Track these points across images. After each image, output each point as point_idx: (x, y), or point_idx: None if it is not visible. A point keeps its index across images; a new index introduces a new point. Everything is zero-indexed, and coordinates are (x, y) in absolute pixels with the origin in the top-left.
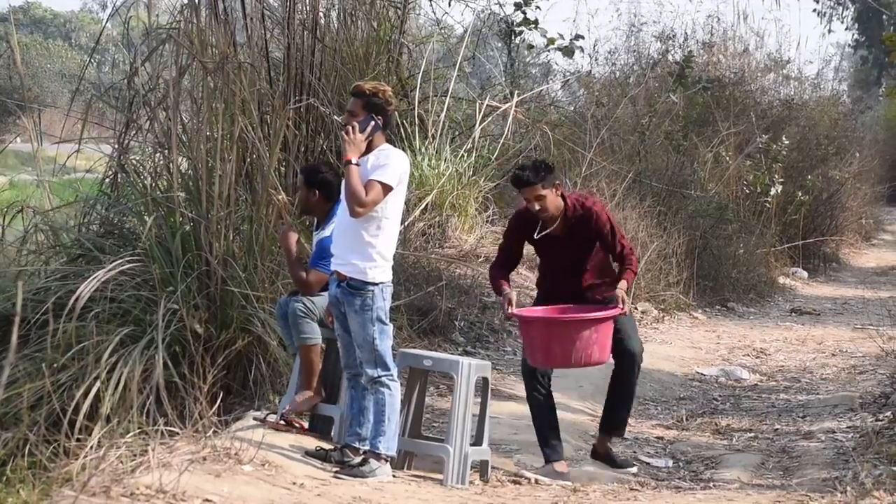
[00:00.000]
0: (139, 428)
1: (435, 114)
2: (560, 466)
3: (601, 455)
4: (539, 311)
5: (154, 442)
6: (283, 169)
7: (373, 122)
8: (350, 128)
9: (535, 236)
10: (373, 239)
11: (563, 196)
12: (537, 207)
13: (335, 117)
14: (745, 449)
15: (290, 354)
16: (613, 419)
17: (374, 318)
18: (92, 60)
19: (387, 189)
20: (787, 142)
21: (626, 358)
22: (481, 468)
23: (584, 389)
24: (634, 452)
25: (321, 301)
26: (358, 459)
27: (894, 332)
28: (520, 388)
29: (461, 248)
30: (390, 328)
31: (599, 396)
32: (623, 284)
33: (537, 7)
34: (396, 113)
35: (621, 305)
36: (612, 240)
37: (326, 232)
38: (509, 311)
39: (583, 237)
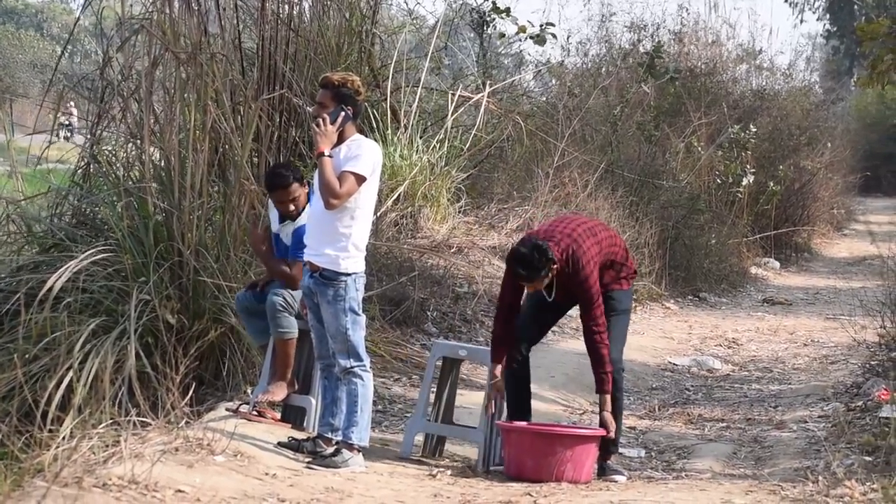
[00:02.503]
0: (111, 419)
1: (407, 104)
2: None
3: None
4: (522, 424)
5: (126, 433)
6: (255, 159)
7: (343, 113)
8: (321, 119)
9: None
10: (346, 229)
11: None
12: (532, 290)
13: (308, 108)
14: (718, 439)
15: (256, 347)
16: (607, 441)
17: (346, 309)
18: (65, 52)
19: (360, 180)
20: (754, 129)
21: None
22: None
23: (556, 380)
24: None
25: (299, 295)
26: (330, 450)
27: (866, 321)
28: None
29: (433, 238)
30: (363, 319)
31: (572, 386)
32: (606, 403)
33: None
34: (368, 104)
35: (608, 428)
36: (586, 305)
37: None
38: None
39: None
